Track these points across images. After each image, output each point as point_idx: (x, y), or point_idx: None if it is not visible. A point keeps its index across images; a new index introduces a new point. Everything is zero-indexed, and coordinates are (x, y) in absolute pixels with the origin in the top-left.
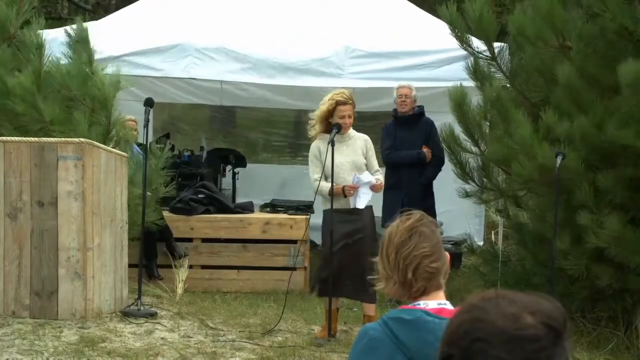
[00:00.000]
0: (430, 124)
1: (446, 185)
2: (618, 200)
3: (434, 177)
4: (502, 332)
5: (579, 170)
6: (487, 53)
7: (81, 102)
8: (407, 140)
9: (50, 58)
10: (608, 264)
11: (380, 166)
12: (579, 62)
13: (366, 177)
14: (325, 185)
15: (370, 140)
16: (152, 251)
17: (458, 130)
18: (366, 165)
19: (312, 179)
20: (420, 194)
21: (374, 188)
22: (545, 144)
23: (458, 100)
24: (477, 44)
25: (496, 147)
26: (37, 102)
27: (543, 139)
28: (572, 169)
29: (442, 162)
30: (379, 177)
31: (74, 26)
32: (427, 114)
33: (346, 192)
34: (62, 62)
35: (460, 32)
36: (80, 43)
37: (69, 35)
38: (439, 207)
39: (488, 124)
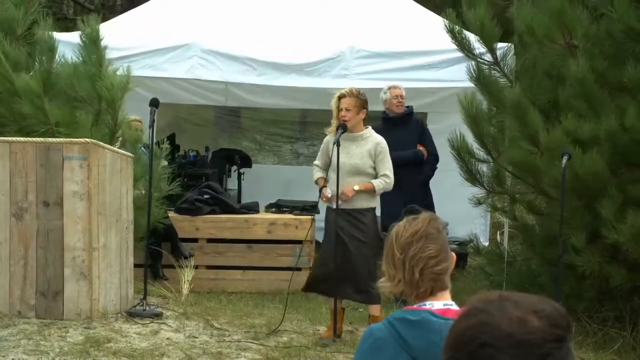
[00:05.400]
0: (421, 122)
1: (451, 185)
2: None
3: (432, 175)
4: (509, 336)
5: (605, 171)
6: (490, 58)
7: (88, 103)
8: (402, 141)
9: (60, 60)
10: (621, 263)
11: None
12: (585, 62)
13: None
14: (316, 174)
15: (384, 144)
16: (157, 251)
17: (469, 138)
18: (374, 168)
19: (314, 164)
20: (420, 193)
21: (343, 193)
22: (576, 147)
23: (471, 110)
24: (479, 46)
25: (512, 150)
26: (44, 105)
27: (564, 141)
28: (600, 172)
29: (437, 160)
30: (381, 179)
31: (87, 25)
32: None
33: (322, 194)
34: (70, 62)
35: (461, 39)
36: (90, 43)
37: (80, 35)
38: (443, 207)
39: (493, 128)
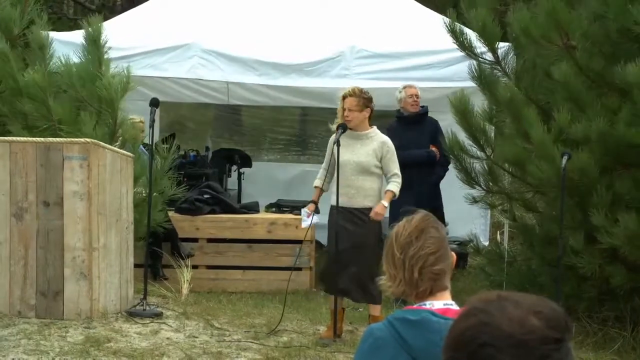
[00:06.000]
0: (435, 123)
1: (451, 185)
2: (636, 203)
3: (444, 176)
4: (509, 336)
5: (594, 170)
6: (491, 57)
7: (88, 103)
8: (414, 140)
9: (54, 58)
10: (621, 264)
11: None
12: (584, 62)
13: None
14: (315, 181)
15: (390, 144)
16: (157, 251)
17: (462, 136)
18: (381, 168)
19: (322, 167)
20: (430, 194)
21: (374, 214)
22: (561, 146)
23: (461, 107)
24: (480, 45)
25: (507, 147)
26: (48, 100)
27: (556, 140)
28: (588, 170)
29: (449, 161)
30: (394, 181)
31: (90, 25)
32: (434, 114)
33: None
34: (73, 62)
35: (462, 39)
36: (91, 43)
37: (83, 36)
38: (444, 207)
39: (493, 128)
